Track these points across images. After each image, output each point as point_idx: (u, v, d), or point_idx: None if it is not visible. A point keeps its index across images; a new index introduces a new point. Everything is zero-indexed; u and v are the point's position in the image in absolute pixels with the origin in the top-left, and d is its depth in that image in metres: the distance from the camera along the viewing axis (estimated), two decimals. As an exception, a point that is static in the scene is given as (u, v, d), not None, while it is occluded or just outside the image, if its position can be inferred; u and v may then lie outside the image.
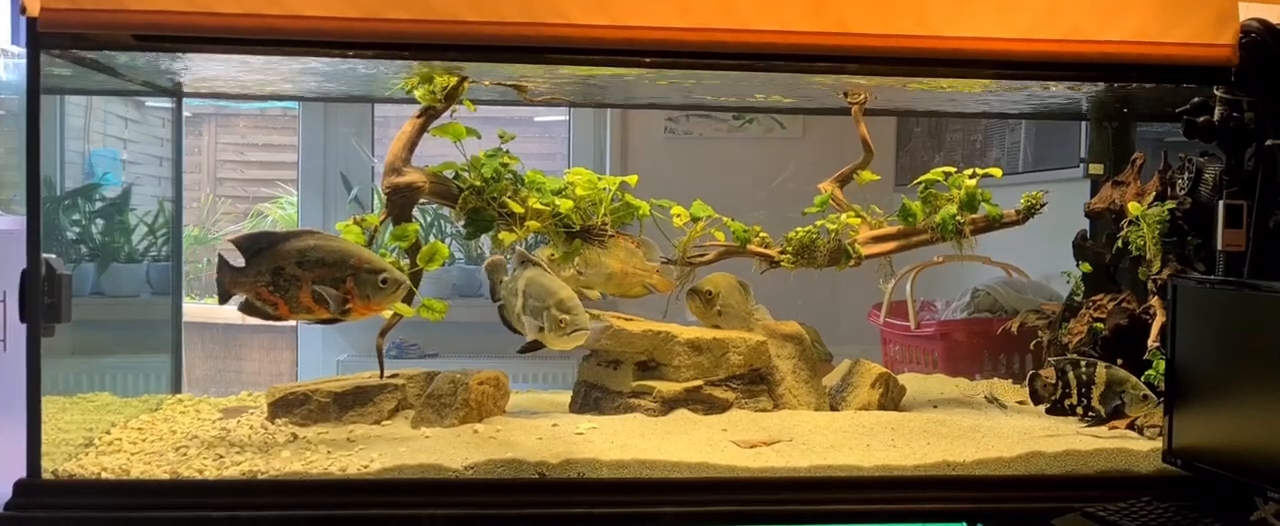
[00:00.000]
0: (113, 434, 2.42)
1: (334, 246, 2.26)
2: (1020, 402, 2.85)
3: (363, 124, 5.21)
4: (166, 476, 2.13)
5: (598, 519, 2.13)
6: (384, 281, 2.23)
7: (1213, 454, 2.15)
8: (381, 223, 2.47)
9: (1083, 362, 2.52)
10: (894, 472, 2.23)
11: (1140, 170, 2.81)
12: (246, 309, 2.27)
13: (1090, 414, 2.50)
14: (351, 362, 4.83)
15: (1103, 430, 2.48)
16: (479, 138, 2.54)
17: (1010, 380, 3.23)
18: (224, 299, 2.27)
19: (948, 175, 2.85)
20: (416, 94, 2.50)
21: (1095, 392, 2.49)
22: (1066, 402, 2.53)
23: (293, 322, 5.07)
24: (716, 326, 2.78)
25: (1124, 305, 2.75)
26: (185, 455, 2.23)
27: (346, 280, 2.23)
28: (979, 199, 2.80)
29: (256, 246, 2.25)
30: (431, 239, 4.65)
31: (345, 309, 2.24)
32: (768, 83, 2.68)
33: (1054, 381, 2.55)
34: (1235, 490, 2.09)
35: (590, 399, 2.70)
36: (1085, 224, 3.00)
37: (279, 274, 2.24)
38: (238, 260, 2.25)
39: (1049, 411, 2.57)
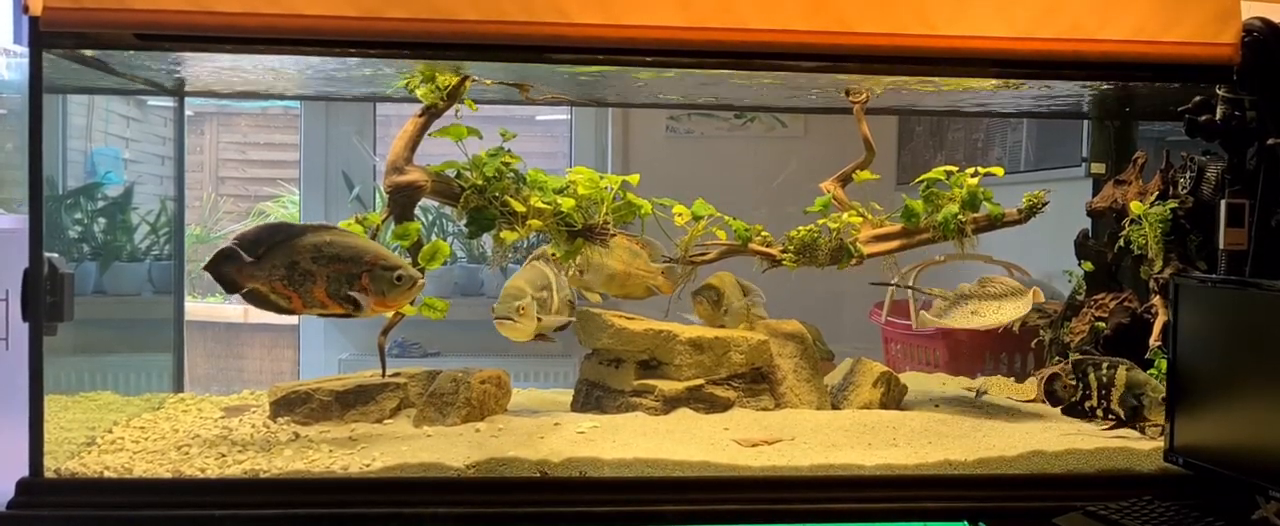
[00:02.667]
0: (115, 432, 2.42)
1: (349, 242, 2.26)
2: (1027, 400, 2.85)
3: (364, 123, 5.21)
4: (169, 475, 2.13)
5: (599, 517, 2.13)
6: (399, 278, 2.24)
7: (1214, 453, 2.15)
8: (383, 221, 2.47)
9: (1104, 364, 2.49)
10: (895, 471, 2.23)
11: (1142, 169, 2.81)
12: (253, 299, 2.25)
13: (1110, 416, 2.48)
14: (353, 361, 4.83)
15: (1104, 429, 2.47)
16: (480, 137, 2.54)
17: (1012, 378, 3.23)
18: (232, 290, 2.25)
19: (949, 174, 2.85)
20: (418, 93, 2.50)
21: (1114, 395, 2.47)
22: (1086, 404, 2.51)
23: (294, 320, 5.09)
24: (722, 325, 2.78)
25: (1126, 304, 2.75)
26: (187, 454, 2.24)
27: (361, 276, 2.23)
28: (980, 198, 2.80)
29: (273, 239, 2.24)
30: (433, 238, 4.66)
31: (359, 305, 2.24)
32: (769, 89, 2.69)
33: (1074, 382, 2.52)
34: (1237, 489, 2.09)
35: (592, 398, 2.70)
36: (1087, 223, 3.00)
37: (294, 268, 2.23)
38: (245, 258, 2.24)
39: (1065, 412, 2.54)
